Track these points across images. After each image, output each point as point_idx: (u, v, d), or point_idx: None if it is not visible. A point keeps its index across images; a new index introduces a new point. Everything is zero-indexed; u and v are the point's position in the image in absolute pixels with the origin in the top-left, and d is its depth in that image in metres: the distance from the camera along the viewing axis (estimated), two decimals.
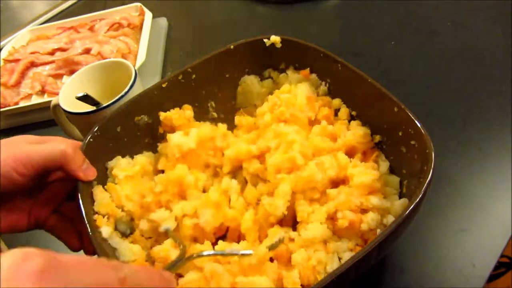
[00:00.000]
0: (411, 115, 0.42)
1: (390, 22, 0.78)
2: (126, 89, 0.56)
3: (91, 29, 0.91)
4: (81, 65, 0.77)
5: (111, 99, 0.55)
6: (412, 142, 0.43)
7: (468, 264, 0.42)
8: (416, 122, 0.41)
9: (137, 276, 0.26)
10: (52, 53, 0.86)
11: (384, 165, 0.46)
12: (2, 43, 1.00)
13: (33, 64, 0.83)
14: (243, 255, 0.39)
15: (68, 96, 0.58)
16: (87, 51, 0.83)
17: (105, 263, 0.25)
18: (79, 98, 0.56)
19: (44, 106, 0.72)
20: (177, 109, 0.52)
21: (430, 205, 0.48)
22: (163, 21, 0.93)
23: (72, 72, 0.74)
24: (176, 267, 0.38)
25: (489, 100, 0.58)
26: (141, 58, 0.75)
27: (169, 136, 0.49)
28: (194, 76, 0.54)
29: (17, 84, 0.80)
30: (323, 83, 0.53)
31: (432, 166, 0.37)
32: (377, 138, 0.48)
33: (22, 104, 0.76)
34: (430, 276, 0.42)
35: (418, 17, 0.78)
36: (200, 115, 0.54)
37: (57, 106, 0.59)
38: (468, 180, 0.50)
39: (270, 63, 0.56)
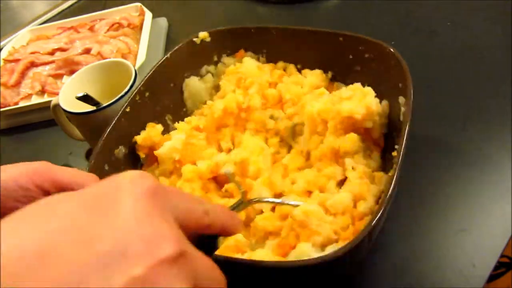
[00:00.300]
0: (358, 35, 0.50)
1: (390, 22, 0.78)
2: (126, 89, 0.56)
3: (91, 29, 0.91)
4: (81, 65, 0.77)
5: (111, 99, 0.55)
6: (366, 56, 0.51)
7: (468, 264, 0.42)
8: (365, 37, 0.49)
9: (216, 212, 0.28)
10: (52, 53, 0.86)
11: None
12: (2, 43, 1.00)
13: (33, 64, 0.83)
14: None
15: (68, 96, 0.58)
16: (87, 51, 0.83)
17: (194, 196, 0.29)
18: (79, 98, 0.56)
19: (44, 106, 0.72)
20: (148, 127, 0.52)
21: (430, 205, 0.48)
22: (163, 21, 0.93)
23: (72, 72, 0.74)
24: (236, 210, 0.38)
25: (489, 100, 0.58)
26: (141, 58, 0.75)
27: (157, 152, 0.49)
28: (147, 93, 0.54)
29: (17, 84, 0.80)
30: (260, 55, 0.59)
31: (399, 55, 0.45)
32: (330, 74, 0.56)
33: (22, 104, 0.76)
34: (430, 276, 0.42)
35: (418, 17, 0.77)
36: (163, 132, 0.53)
37: (57, 106, 0.59)
38: (468, 180, 0.50)
39: (203, 60, 0.60)
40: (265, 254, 0.40)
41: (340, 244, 0.38)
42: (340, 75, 0.55)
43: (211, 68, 0.60)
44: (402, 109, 0.44)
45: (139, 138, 0.51)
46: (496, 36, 0.68)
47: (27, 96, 0.77)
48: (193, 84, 0.59)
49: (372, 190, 0.42)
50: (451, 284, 0.41)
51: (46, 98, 0.76)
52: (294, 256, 0.39)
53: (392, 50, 0.48)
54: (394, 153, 0.41)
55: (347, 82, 0.54)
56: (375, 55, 0.51)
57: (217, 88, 0.60)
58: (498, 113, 0.56)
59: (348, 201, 0.41)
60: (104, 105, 0.55)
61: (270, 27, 0.57)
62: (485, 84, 0.61)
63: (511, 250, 0.47)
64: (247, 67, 0.56)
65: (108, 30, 0.89)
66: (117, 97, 0.55)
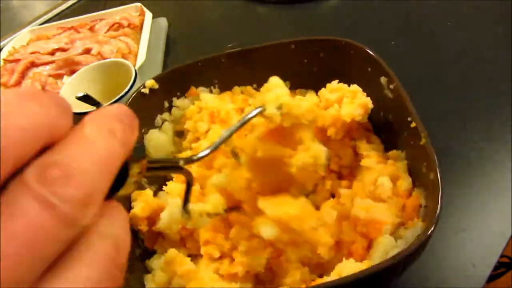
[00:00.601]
0: (308, 38, 0.52)
1: (390, 22, 0.78)
2: (126, 89, 0.56)
3: (91, 29, 0.91)
4: (81, 65, 0.77)
5: (111, 99, 0.55)
6: (321, 55, 0.53)
7: (468, 264, 0.42)
8: (316, 37, 0.52)
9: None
10: (52, 53, 0.86)
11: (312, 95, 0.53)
12: (2, 43, 1.00)
13: (33, 64, 0.83)
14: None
15: (68, 96, 0.58)
16: (87, 51, 0.83)
17: None
18: (79, 98, 0.56)
19: None
20: (138, 196, 0.47)
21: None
22: (163, 21, 0.93)
23: (72, 72, 0.74)
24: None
25: (489, 100, 0.58)
26: (141, 58, 0.75)
27: (158, 228, 0.45)
28: None
29: (17, 84, 0.80)
30: (212, 87, 0.57)
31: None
32: (288, 83, 0.54)
33: None
34: (430, 276, 0.42)
35: (418, 17, 0.78)
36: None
37: None
38: (468, 180, 0.50)
39: (155, 110, 0.55)
40: (349, 265, 0.38)
41: (410, 225, 0.39)
42: (299, 81, 0.55)
43: (166, 115, 0.56)
44: (391, 86, 0.46)
45: (137, 210, 0.44)
46: (496, 36, 0.68)
47: None
48: (154, 138, 0.54)
49: (402, 168, 0.43)
50: (451, 284, 0.41)
51: None
52: (380, 255, 0.38)
53: (346, 41, 0.49)
54: (413, 124, 0.41)
55: (308, 86, 0.55)
56: (330, 51, 0.52)
57: (179, 134, 0.56)
58: (498, 113, 0.56)
59: (390, 183, 0.42)
60: (104, 105, 0.55)
61: (218, 55, 0.55)
62: (485, 84, 0.61)
63: (511, 250, 0.47)
64: (209, 101, 0.54)
65: (108, 30, 0.89)
66: (117, 97, 0.55)
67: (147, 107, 0.54)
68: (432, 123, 0.56)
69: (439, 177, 0.36)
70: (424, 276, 0.42)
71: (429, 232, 0.33)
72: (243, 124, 0.36)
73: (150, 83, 0.53)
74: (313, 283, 0.38)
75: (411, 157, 0.43)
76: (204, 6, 1.00)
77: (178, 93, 0.56)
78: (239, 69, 0.56)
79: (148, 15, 0.88)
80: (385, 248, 0.38)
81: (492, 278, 0.42)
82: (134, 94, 0.53)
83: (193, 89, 0.56)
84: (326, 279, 0.38)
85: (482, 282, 0.41)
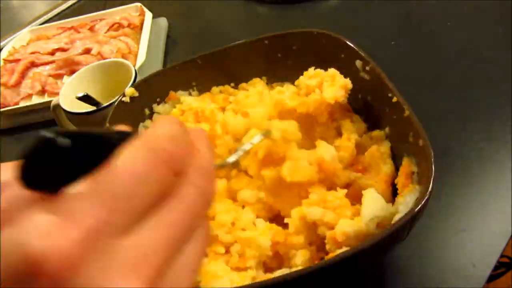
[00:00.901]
0: (281, 32, 0.54)
1: (390, 22, 0.78)
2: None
3: (91, 29, 0.91)
4: (81, 65, 0.77)
5: (111, 99, 0.55)
6: (294, 48, 0.54)
7: (468, 264, 0.42)
8: (288, 31, 0.53)
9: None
10: (52, 53, 0.86)
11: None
12: (2, 43, 1.00)
13: (33, 64, 0.83)
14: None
15: (68, 96, 0.58)
16: (87, 51, 0.83)
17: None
18: (79, 98, 0.56)
19: (45, 106, 0.72)
20: None
21: (430, 205, 0.48)
22: (163, 21, 0.93)
23: (72, 72, 0.74)
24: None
25: (489, 100, 0.58)
26: (141, 58, 0.75)
27: None
28: None
29: (17, 84, 0.80)
30: (191, 90, 0.57)
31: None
32: (264, 79, 0.58)
33: (22, 104, 0.76)
34: (430, 276, 0.42)
35: (418, 17, 0.78)
36: None
37: (57, 106, 0.59)
38: (468, 180, 0.50)
39: (137, 119, 0.55)
40: (346, 223, 0.38)
41: (407, 191, 0.39)
42: (275, 75, 0.57)
43: (148, 123, 0.56)
44: (367, 68, 0.47)
45: None
46: (496, 36, 0.68)
47: (27, 96, 0.77)
48: None
49: (385, 152, 0.44)
50: (451, 284, 0.41)
51: (46, 98, 0.76)
52: (369, 211, 0.38)
53: (318, 32, 0.51)
54: (395, 99, 0.43)
55: (284, 79, 0.57)
56: (302, 43, 0.54)
57: None
58: (498, 113, 0.56)
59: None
60: (104, 105, 0.55)
61: (194, 58, 0.56)
62: (485, 84, 0.61)
63: (511, 250, 0.47)
64: (191, 103, 0.54)
65: (108, 30, 0.89)
66: (117, 97, 0.55)
67: (129, 116, 0.53)
68: (432, 123, 0.56)
69: (428, 141, 0.36)
70: (424, 276, 0.42)
71: (429, 190, 0.34)
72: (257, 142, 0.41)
73: (130, 91, 0.52)
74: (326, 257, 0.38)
75: (396, 131, 0.45)
76: (204, 6, 1.00)
77: (158, 99, 0.56)
78: (215, 70, 0.57)
79: (148, 15, 0.88)
80: (374, 204, 0.39)
81: (492, 278, 0.42)
82: (116, 104, 0.52)
83: (172, 93, 0.56)
84: (337, 252, 0.38)
85: (482, 282, 0.41)
